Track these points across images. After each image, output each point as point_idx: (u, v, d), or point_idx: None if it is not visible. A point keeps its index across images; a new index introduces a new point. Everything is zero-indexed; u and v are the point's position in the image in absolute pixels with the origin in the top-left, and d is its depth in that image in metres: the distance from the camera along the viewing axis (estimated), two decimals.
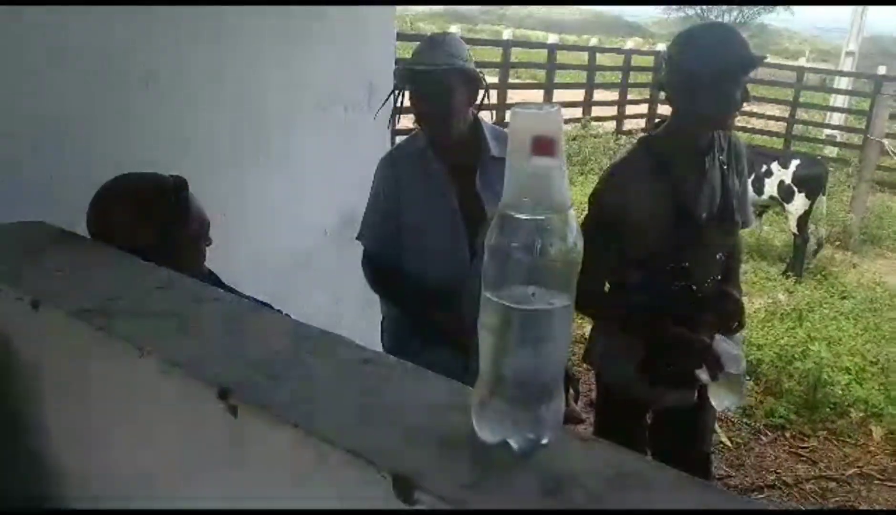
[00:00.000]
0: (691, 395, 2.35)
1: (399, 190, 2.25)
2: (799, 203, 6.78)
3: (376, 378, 0.82)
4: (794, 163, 6.94)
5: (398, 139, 2.75)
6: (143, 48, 2.10)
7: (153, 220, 1.56)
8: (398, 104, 2.30)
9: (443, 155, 2.22)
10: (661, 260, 2.17)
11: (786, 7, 33.62)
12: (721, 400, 2.29)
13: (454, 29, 12.70)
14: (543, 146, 0.66)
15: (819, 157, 7.31)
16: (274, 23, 2.30)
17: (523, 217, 0.66)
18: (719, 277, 2.29)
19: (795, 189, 6.81)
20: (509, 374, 0.68)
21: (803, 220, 6.82)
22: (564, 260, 0.67)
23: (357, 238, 2.34)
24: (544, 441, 0.70)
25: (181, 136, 2.22)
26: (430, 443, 0.69)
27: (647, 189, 2.13)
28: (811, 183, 6.79)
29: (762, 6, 33.51)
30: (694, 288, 2.19)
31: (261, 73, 2.39)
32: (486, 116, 2.31)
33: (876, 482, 3.77)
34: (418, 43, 2.28)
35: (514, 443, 0.69)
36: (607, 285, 2.32)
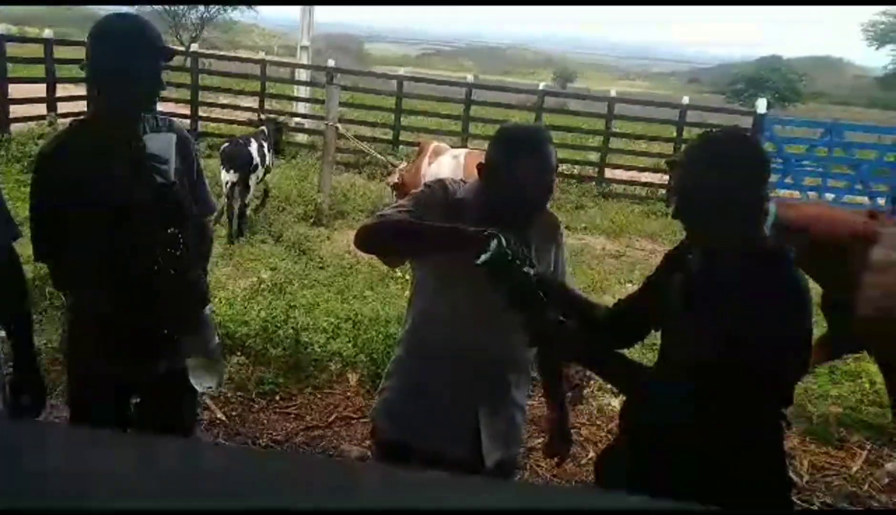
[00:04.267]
0: (160, 364, 2.39)
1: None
2: (226, 177, 7.80)
3: None
4: (225, 145, 8.10)
5: None
6: None
7: None
8: None
9: None
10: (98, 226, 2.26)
11: (249, 6, 34.80)
12: (201, 382, 2.36)
13: None
14: None
15: (241, 138, 8.15)
16: None
17: None
18: (179, 253, 2.37)
19: (222, 166, 7.85)
20: None
21: (231, 192, 7.65)
22: None
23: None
24: None
25: None
26: None
27: (77, 164, 2.22)
28: (235, 159, 7.70)
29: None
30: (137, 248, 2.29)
31: None
32: None
33: (353, 421, 4.30)
34: None
35: None
36: None
